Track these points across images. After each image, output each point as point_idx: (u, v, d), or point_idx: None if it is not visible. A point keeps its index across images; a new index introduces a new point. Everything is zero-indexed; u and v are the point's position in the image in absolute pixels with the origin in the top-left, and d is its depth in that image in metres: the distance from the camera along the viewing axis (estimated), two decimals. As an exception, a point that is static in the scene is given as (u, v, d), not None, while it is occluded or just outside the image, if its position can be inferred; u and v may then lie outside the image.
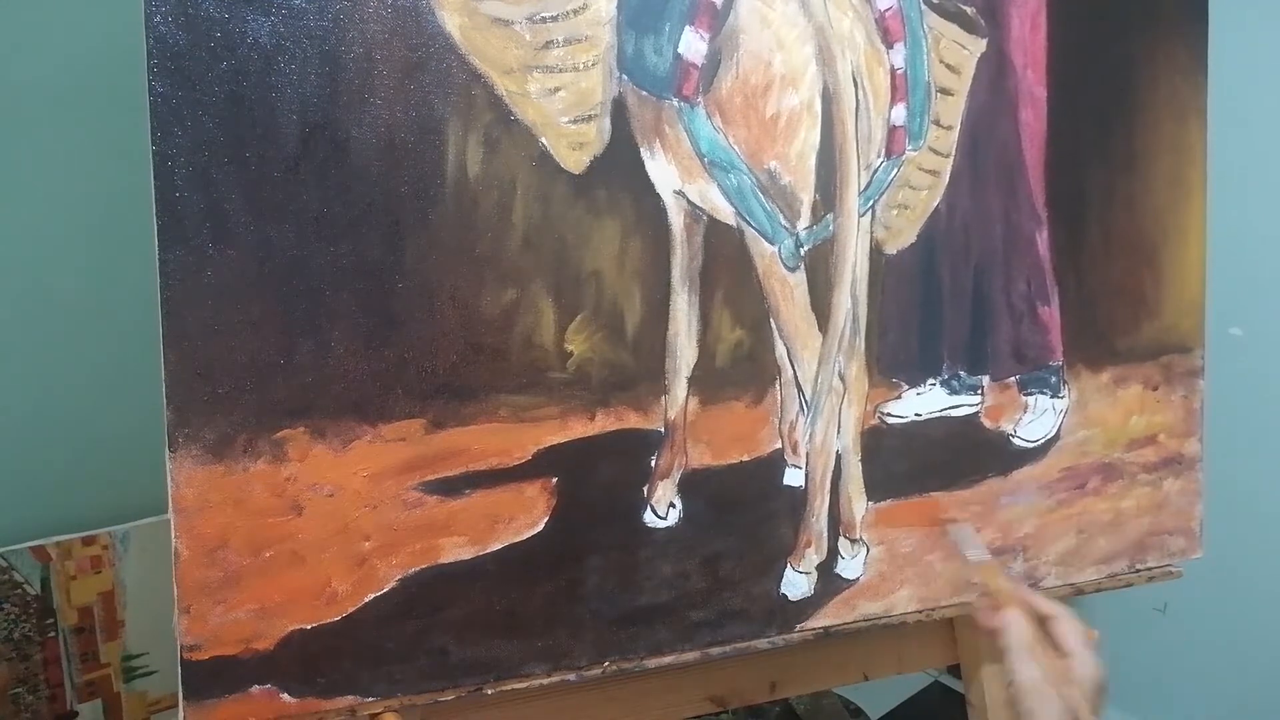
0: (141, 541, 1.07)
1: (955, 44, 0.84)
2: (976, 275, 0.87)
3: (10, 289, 1.02)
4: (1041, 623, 0.68)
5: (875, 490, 0.85)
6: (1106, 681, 0.66)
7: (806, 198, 0.79)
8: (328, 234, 0.64)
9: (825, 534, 0.83)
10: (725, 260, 0.77)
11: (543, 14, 0.68)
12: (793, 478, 0.81)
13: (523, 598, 0.72)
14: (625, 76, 0.72)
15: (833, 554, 0.83)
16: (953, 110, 0.85)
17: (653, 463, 0.76)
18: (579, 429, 0.73)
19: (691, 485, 0.77)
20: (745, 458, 0.79)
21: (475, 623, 0.71)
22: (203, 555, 0.63)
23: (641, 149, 0.73)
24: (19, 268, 1.02)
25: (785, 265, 0.78)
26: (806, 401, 0.81)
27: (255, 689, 0.65)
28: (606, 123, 0.71)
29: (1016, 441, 0.91)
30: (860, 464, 0.84)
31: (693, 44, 0.73)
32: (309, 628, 0.66)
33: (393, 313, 0.66)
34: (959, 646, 0.98)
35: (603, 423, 0.73)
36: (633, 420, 0.74)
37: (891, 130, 0.82)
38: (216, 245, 0.62)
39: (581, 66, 0.70)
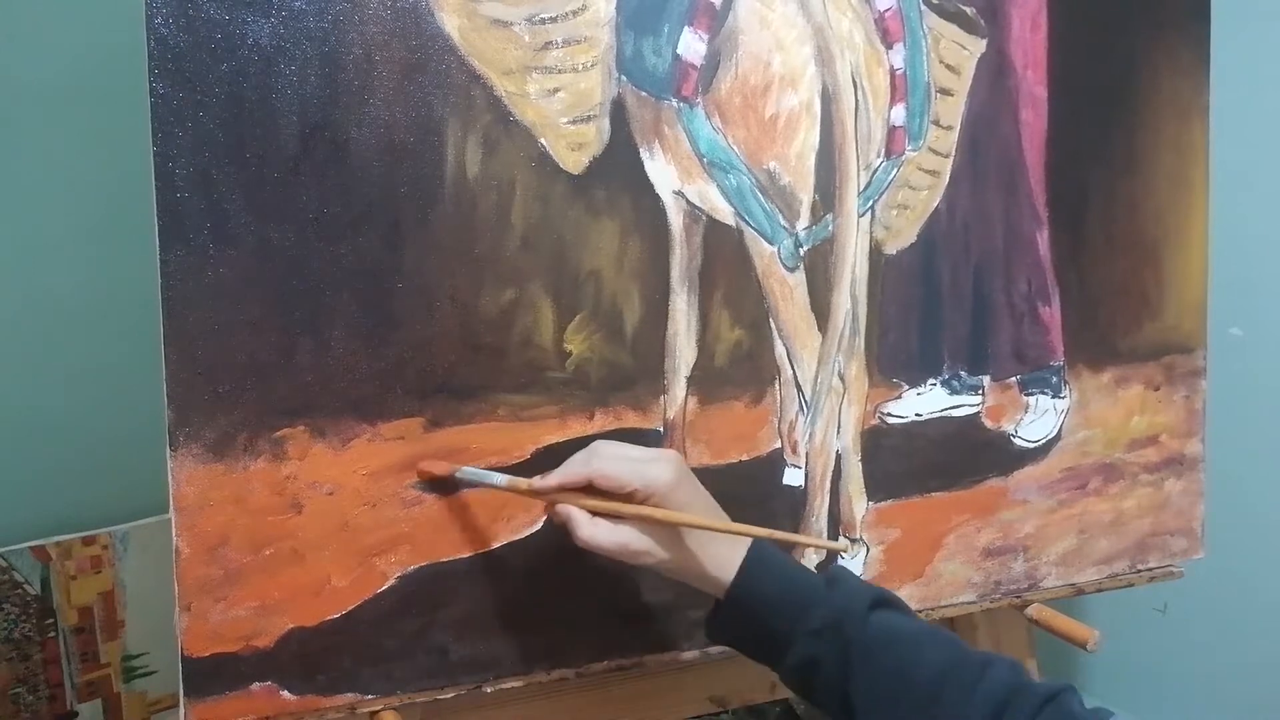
0: (141, 541, 1.07)
1: (955, 44, 0.84)
2: (977, 275, 0.87)
3: (10, 289, 1.02)
4: (590, 488, 0.63)
5: (875, 490, 0.85)
6: (680, 458, 0.64)
7: (806, 198, 0.79)
8: (328, 234, 0.65)
9: (825, 534, 0.83)
10: (724, 260, 0.77)
11: (542, 15, 0.69)
12: (792, 478, 0.81)
13: (522, 596, 0.72)
14: (624, 77, 0.72)
15: (832, 554, 0.83)
16: (952, 110, 0.85)
17: (652, 462, 0.76)
18: (578, 428, 0.73)
19: (691, 485, 0.77)
20: (744, 457, 0.79)
21: (475, 621, 0.71)
22: (203, 553, 0.63)
23: (641, 149, 0.73)
24: (19, 267, 1.02)
25: (784, 265, 0.78)
26: (806, 401, 0.81)
27: (256, 686, 0.65)
28: (606, 123, 0.71)
29: (1017, 442, 0.91)
30: (860, 464, 0.84)
31: (691, 45, 0.73)
32: (309, 625, 0.66)
33: (392, 312, 0.67)
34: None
35: (601, 422, 0.74)
36: (631, 420, 0.75)
37: (891, 130, 0.82)
38: (217, 245, 0.62)
39: (580, 67, 0.70)
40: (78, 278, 1.04)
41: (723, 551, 0.63)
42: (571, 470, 0.63)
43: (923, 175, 0.84)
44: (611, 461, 0.63)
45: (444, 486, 0.69)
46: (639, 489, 0.61)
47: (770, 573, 0.63)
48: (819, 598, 0.61)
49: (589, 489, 0.63)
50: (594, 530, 0.62)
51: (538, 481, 0.65)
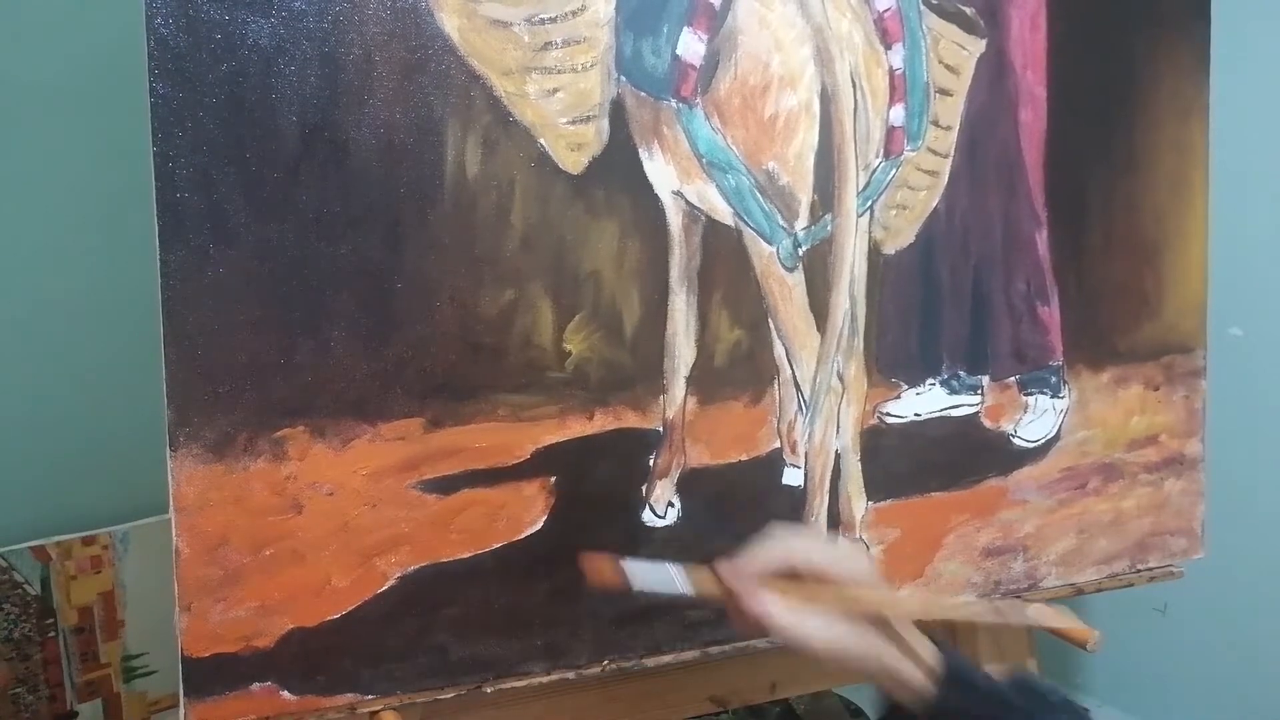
0: (141, 541, 1.07)
1: (954, 44, 0.84)
2: (976, 275, 0.87)
3: (10, 289, 1.02)
4: (786, 574, 0.58)
5: (875, 490, 0.85)
6: (871, 559, 0.61)
7: (805, 198, 0.79)
8: (328, 234, 0.65)
9: (824, 534, 0.83)
10: (723, 260, 0.77)
11: (541, 16, 0.69)
12: (791, 477, 0.81)
13: (522, 596, 0.72)
14: (624, 78, 0.72)
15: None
16: (952, 111, 0.85)
17: (651, 462, 0.76)
18: (577, 428, 0.73)
19: (690, 484, 0.77)
20: (744, 457, 0.79)
21: (474, 621, 0.71)
22: (203, 553, 0.63)
23: (640, 150, 0.73)
24: (19, 268, 1.02)
25: (783, 265, 0.78)
26: (805, 401, 0.81)
27: (256, 686, 0.65)
28: (605, 124, 0.72)
29: (1017, 441, 0.91)
30: (859, 464, 0.84)
31: (691, 45, 0.73)
32: (309, 625, 0.66)
33: (392, 312, 0.67)
34: (959, 646, 0.98)
35: (601, 422, 0.74)
36: (631, 420, 0.75)
37: (890, 131, 0.82)
38: (217, 245, 0.62)
39: (580, 68, 0.70)
40: (78, 278, 1.04)
41: (916, 650, 0.58)
42: (763, 556, 0.57)
43: (922, 175, 0.84)
44: (803, 547, 0.58)
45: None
46: (836, 574, 0.57)
47: (968, 677, 0.58)
48: (1017, 708, 0.57)
49: (781, 579, 0.57)
50: (797, 624, 0.56)
51: (730, 576, 0.57)
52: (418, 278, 0.67)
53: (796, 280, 0.79)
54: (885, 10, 0.80)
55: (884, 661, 0.58)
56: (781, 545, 0.58)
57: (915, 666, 0.58)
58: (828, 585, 0.57)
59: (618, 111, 0.72)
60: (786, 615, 0.56)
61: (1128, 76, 0.91)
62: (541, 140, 0.69)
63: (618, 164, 0.72)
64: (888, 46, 0.80)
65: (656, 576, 0.59)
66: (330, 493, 0.66)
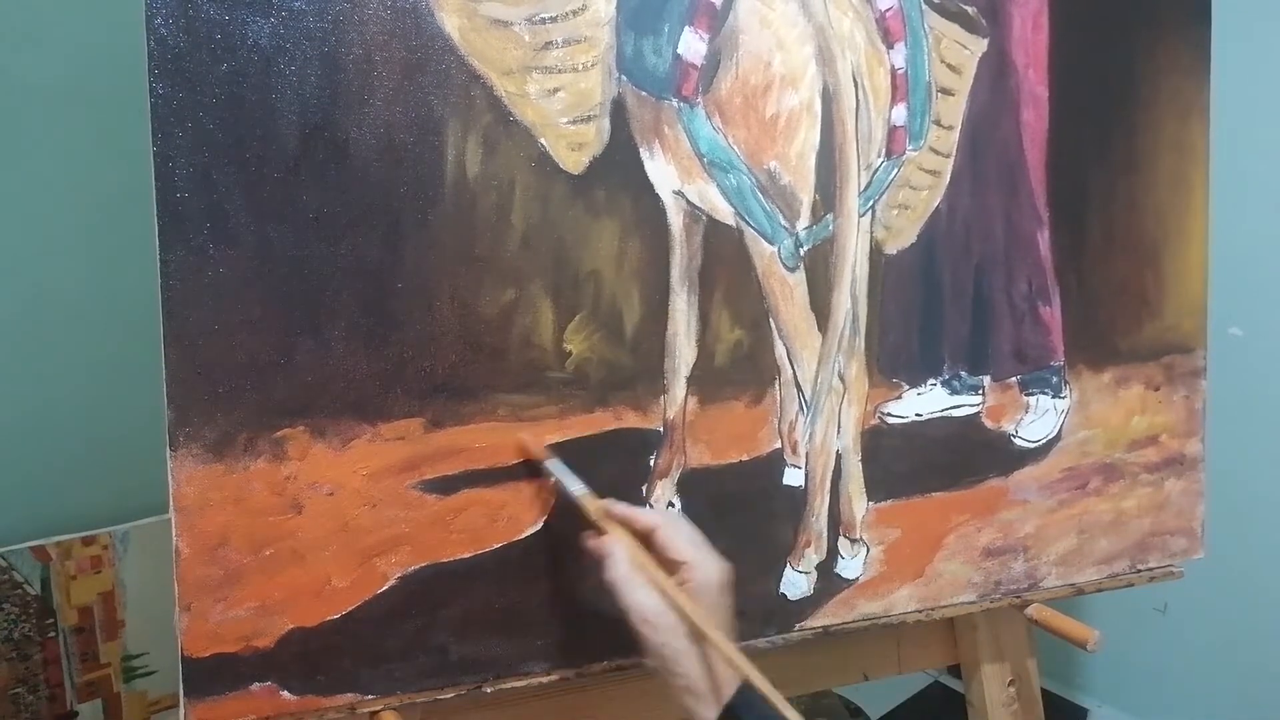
0: (141, 541, 1.07)
1: (956, 44, 0.84)
2: (977, 275, 0.87)
3: (10, 289, 1.02)
4: (646, 538, 0.65)
5: (875, 490, 0.85)
6: (731, 575, 0.64)
7: (806, 198, 0.79)
8: (327, 234, 0.65)
9: (825, 534, 0.83)
10: (724, 260, 0.77)
11: (542, 15, 0.69)
12: (792, 478, 0.81)
13: (522, 596, 0.72)
14: (624, 77, 0.72)
15: (832, 554, 0.83)
16: (954, 110, 0.85)
17: (651, 462, 0.76)
18: (578, 428, 0.73)
19: (690, 485, 0.77)
20: (744, 457, 0.79)
21: (474, 621, 0.71)
22: (203, 553, 0.63)
23: (641, 149, 0.73)
24: (19, 267, 1.02)
25: (785, 265, 0.78)
26: (806, 401, 0.81)
27: (256, 686, 0.65)
28: (606, 123, 0.71)
29: (1018, 442, 0.91)
30: (860, 464, 0.84)
31: (692, 44, 0.73)
32: (309, 625, 0.66)
33: (392, 312, 0.67)
34: (959, 646, 0.98)
35: (601, 422, 0.73)
36: (631, 420, 0.75)
37: (892, 130, 0.82)
38: (217, 245, 0.62)
39: (580, 67, 0.70)
40: (78, 278, 1.04)
41: (716, 671, 0.62)
42: (639, 513, 0.67)
43: (923, 175, 0.84)
44: (681, 529, 0.66)
45: (530, 469, 0.71)
46: (687, 564, 0.63)
47: (756, 712, 0.61)
48: None
49: (642, 543, 0.65)
50: (630, 579, 0.63)
51: (603, 510, 0.67)
52: (418, 278, 0.67)
53: (798, 280, 0.79)
54: (887, 9, 0.80)
55: (678, 669, 0.61)
56: (657, 515, 0.65)
57: (709, 690, 0.61)
58: (674, 575, 0.63)
59: (619, 111, 0.72)
60: (624, 569, 0.63)
61: (1128, 76, 0.91)
62: (542, 140, 0.69)
63: (618, 164, 0.72)
64: (890, 46, 0.80)
65: (563, 477, 0.69)
66: (330, 493, 0.66)
